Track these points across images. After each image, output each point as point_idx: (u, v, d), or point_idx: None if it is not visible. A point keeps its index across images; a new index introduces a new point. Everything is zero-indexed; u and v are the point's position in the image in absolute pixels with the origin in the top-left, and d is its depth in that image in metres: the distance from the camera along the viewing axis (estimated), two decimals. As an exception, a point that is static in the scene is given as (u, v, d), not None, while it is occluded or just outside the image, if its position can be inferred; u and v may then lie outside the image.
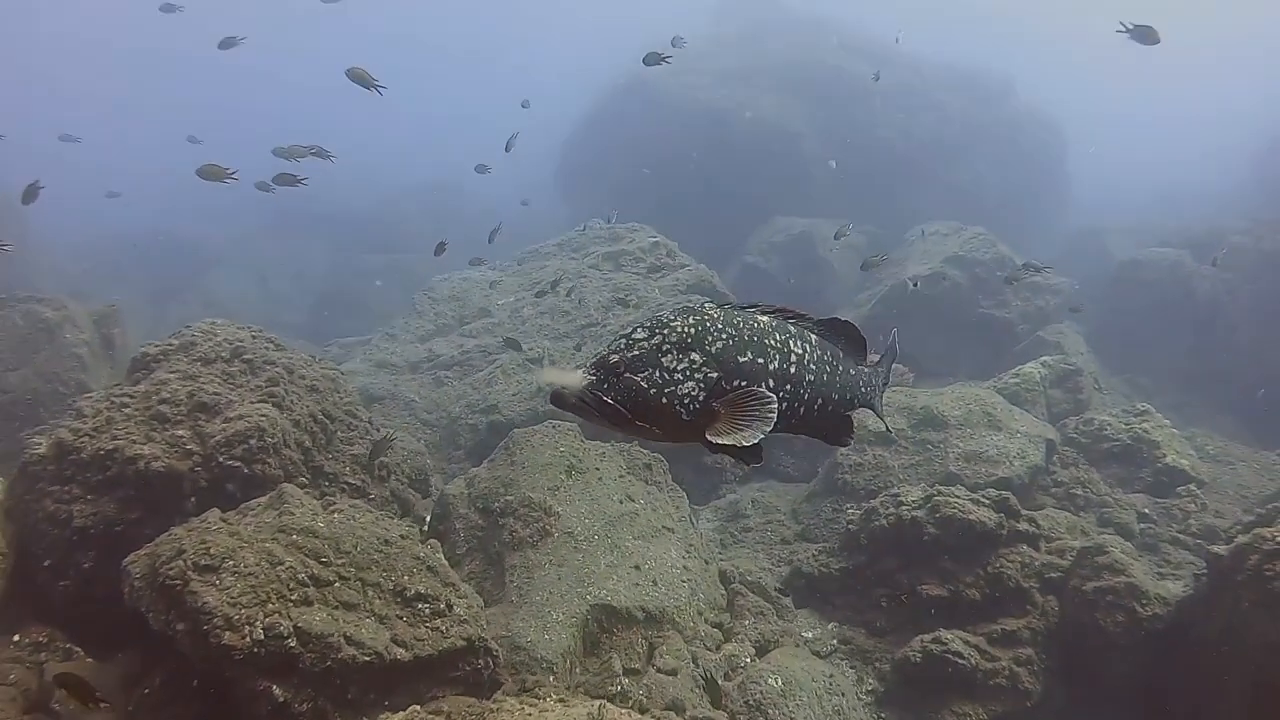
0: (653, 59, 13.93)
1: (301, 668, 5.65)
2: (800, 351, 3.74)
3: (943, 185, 24.12)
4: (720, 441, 3.36)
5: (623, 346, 3.42)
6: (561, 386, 3.35)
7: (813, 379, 3.78)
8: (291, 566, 5.97)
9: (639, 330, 3.48)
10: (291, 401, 8.09)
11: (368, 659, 5.89)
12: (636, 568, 7.98)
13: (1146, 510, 10.19)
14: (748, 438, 3.37)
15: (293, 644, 5.61)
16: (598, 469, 8.93)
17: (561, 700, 5.56)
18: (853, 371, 4.09)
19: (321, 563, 6.20)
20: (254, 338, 8.80)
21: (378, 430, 9.31)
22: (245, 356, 8.06)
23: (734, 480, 12.51)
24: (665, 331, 3.45)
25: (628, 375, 3.33)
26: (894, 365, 4.88)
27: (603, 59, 32.46)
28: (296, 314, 26.01)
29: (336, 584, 6.17)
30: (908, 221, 20.73)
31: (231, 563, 5.79)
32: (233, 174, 11.37)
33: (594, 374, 3.36)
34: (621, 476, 9.03)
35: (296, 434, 7.89)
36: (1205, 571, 7.67)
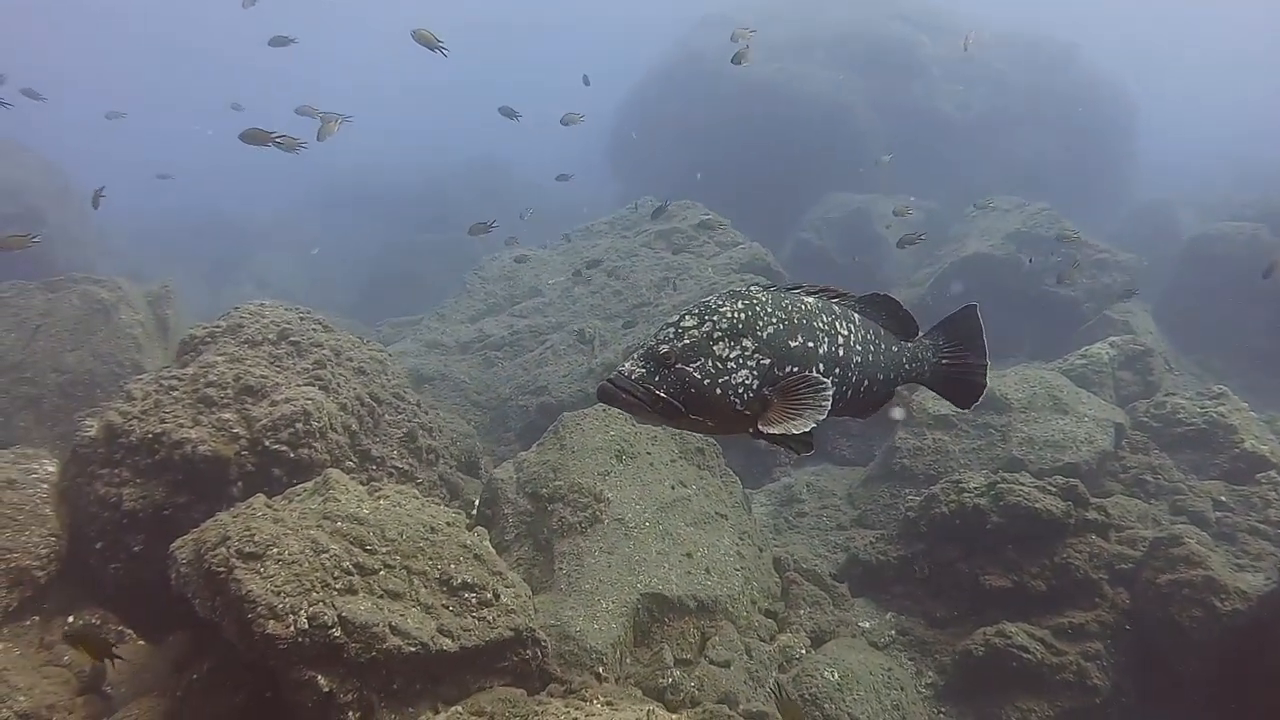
0: (738, 59, 13.91)
1: (346, 658, 5.53)
2: (846, 333, 3.63)
3: (1002, 158, 23.45)
4: (773, 431, 3.23)
5: (672, 336, 3.28)
6: (609, 380, 3.20)
7: (860, 360, 3.66)
8: (336, 554, 5.86)
9: (688, 317, 3.34)
10: (338, 384, 7.99)
11: (413, 649, 5.76)
12: (688, 555, 7.77)
13: (1223, 498, 9.71)
14: (802, 426, 3.24)
15: (337, 633, 5.49)
16: (649, 454, 8.73)
17: (609, 703, 5.39)
18: (895, 349, 3.91)
19: (366, 550, 6.08)
20: (301, 319, 8.72)
21: (426, 413, 9.20)
22: (292, 338, 7.97)
23: (788, 464, 12.24)
24: (716, 318, 3.32)
25: (679, 366, 3.20)
26: (983, 342, 4.43)
27: (653, 34, 32.06)
28: (347, 294, 26.16)
29: (381, 572, 6.05)
30: (966, 196, 20.14)
31: (276, 550, 5.69)
32: (278, 137, 11.05)
33: (644, 366, 3.22)
34: (673, 461, 8.82)
35: (343, 417, 7.79)
36: (1290, 564, 7.25)
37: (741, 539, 8.41)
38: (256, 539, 5.70)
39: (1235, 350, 15.81)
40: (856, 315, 3.77)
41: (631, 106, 29.38)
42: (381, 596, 5.97)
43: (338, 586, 5.75)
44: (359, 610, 5.66)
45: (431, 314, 16.56)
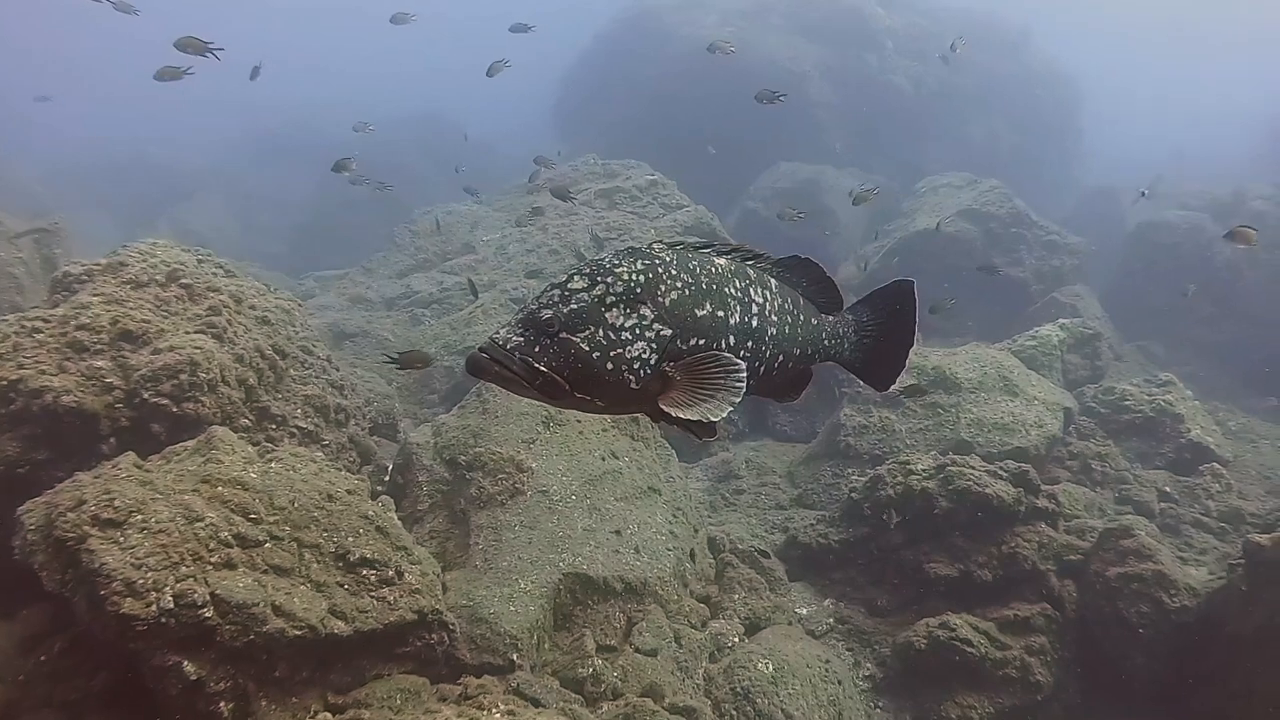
0: (715, 48, 13.47)
1: (219, 641, 4.84)
2: (762, 300, 3.19)
3: (954, 137, 23.12)
4: (678, 415, 2.79)
5: (557, 299, 2.80)
6: (479, 350, 2.73)
7: (775, 332, 3.23)
8: (213, 523, 5.14)
9: (577, 278, 2.86)
10: (235, 333, 7.20)
11: (299, 632, 5.09)
12: (617, 533, 7.18)
13: (1168, 489, 9.43)
14: (710, 413, 2.79)
15: (209, 614, 4.79)
16: (578, 421, 8.09)
17: (510, 713, 4.76)
18: (815, 321, 3.48)
19: (250, 519, 5.37)
20: (199, 261, 7.90)
21: (337, 369, 8.44)
22: (183, 281, 7.15)
23: (727, 438, 11.71)
24: (610, 280, 2.85)
25: (564, 335, 2.74)
26: (913, 323, 3.96)
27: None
28: (277, 245, 24.98)
29: (267, 545, 5.35)
30: (916, 173, 19.79)
31: (140, 517, 4.94)
32: (215, 47, 10.14)
33: (522, 333, 2.75)
34: (605, 430, 8.20)
35: (239, 370, 7.01)
36: (1240, 560, 6.89)
37: (675, 517, 7.84)
38: (117, 504, 4.94)
39: (1176, 339, 15.66)
40: (774, 281, 3.31)
41: (580, 67, 28.46)
42: (265, 572, 5.28)
43: (213, 560, 5.04)
44: (236, 588, 4.96)
45: (358, 268, 15.68)
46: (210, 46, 10.20)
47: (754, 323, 3.13)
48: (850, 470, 9.71)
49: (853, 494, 8.57)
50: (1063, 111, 26.50)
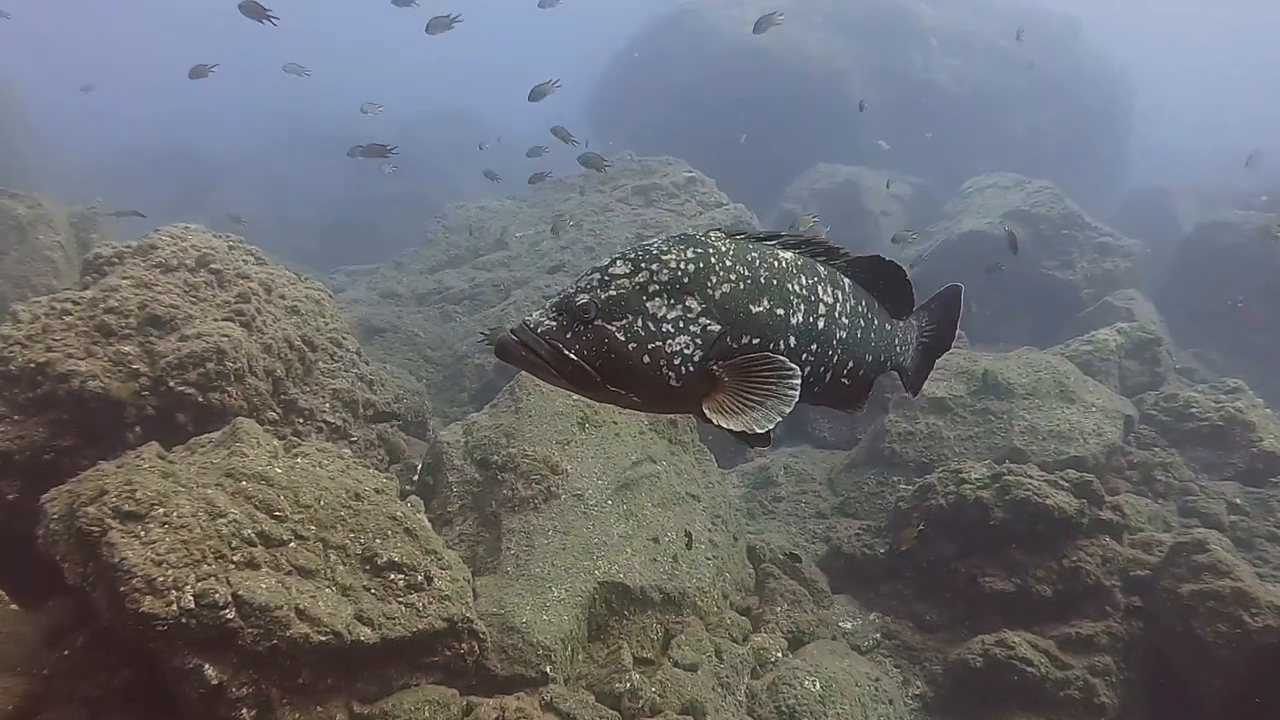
0: (763, 24, 12.94)
1: (241, 645, 4.56)
2: (831, 301, 2.94)
3: (997, 136, 22.58)
4: (721, 423, 2.56)
5: (596, 284, 2.60)
6: (510, 331, 2.56)
7: (845, 336, 2.99)
8: (236, 520, 4.85)
9: (620, 263, 2.65)
10: (264, 322, 6.94)
11: (324, 638, 4.80)
12: (655, 540, 6.84)
13: (1238, 500, 8.93)
14: (756, 422, 2.55)
15: (230, 615, 4.51)
16: (615, 422, 7.76)
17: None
18: (888, 327, 3.27)
19: (275, 517, 5.08)
20: (231, 248, 7.66)
21: (367, 364, 8.17)
22: (213, 266, 6.90)
23: (744, 445, 11.31)
24: (655, 266, 2.63)
25: (599, 323, 2.54)
26: (955, 329, 3.86)
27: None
28: (309, 239, 24.92)
29: (292, 544, 5.06)
30: (958, 174, 19.28)
31: (162, 511, 4.67)
32: (272, 15, 10.74)
33: (556, 318, 2.56)
34: (641, 433, 7.86)
35: (267, 360, 6.75)
36: (1328, 581, 6.44)
37: (714, 524, 7.49)
38: (139, 495, 4.67)
39: (1236, 346, 15.06)
40: (847, 281, 3.06)
41: (616, 66, 28.17)
42: (289, 573, 4.99)
43: (235, 559, 4.75)
44: (259, 589, 4.67)
45: (389, 263, 15.45)
46: (268, 13, 10.67)
47: (820, 324, 2.88)
48: (895, 478, 9.30)
49: (900, 503, 8.18)
50: (1112, 108, 25.84)
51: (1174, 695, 6.86)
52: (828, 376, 2.97)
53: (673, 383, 2.57)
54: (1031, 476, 7.41)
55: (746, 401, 2.58)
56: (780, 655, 6.68)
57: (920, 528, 7.61)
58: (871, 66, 22.99)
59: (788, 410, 2.55)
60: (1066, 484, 7.38)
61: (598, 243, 13.50)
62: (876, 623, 7.64)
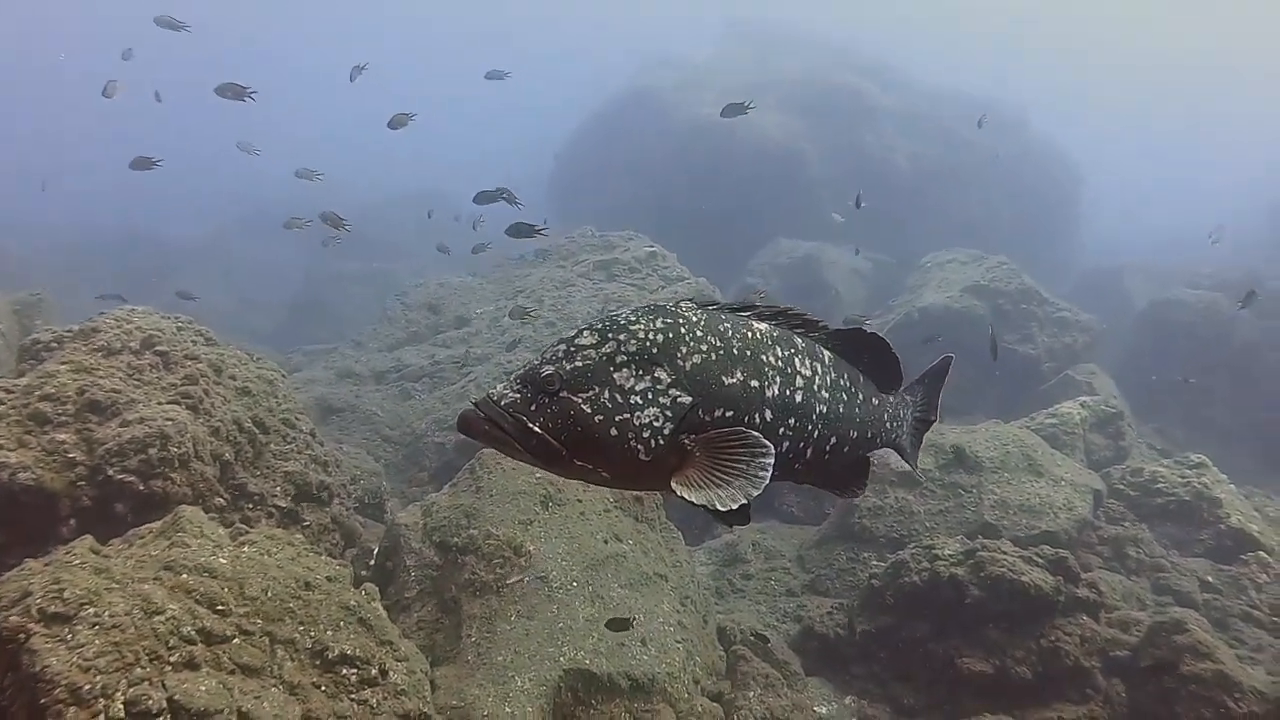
0: (732, 110, 13.20)
1: (175, 755, 4.20)
2: (809, 373, 2.87)
3: (953, 215, 23.03)
4: (693, 499, 2.47)
5: (561, 355, 2.56)
6: (473, 404, 2.49)
7: (826, 410, 2.91)
8: (174, 617, 4.53)
9: (586, 334, 2.61)
10: (213, 404, 6.68)
11: (268, 743, 4.45)
12: (622, 625, 6.55)
13: (1209, 578, 8.83)
14: (722, 500, 2.44)
15: (165, 723, 4.17)
16: (579, 501, 7.53)
17: None
18: (875, 402, 3.19)
19: (218, 612, 4.76)
20: (179, 329, 7.40)
21: (321, 444, 7.89)
22: (159, 348, 6.64)
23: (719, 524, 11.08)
24: (622, 337, 2.57)
25: (565, 395, 2.47)
26: (939, 398, 3.85)
27: (602, 73, 31.44)
28: (267, 320, 24.61)
29: (235, 640, 4.73)
30: (916, 250, 19.56)
31: (92, 610, 4.34)
32: (251, 92, 11.04)
33: (520, 390, 2.50)
34: (607, 511, 7.63)
35: (215, 444, 6.47)
36: (1312, 660, 6.30)
37: (683, 605, 7.23)
38: (67, 595, 4.34)
39: (1194, 421, 15.19)
40: (826, 354, 3.01)
41: (577, 145, 28.57)
42: (233, 673, 4.65)
43: (173, 660, 4.42)
44: (198, 692, 4.34)
45: (348, 342, 15.21)
46: (248, 91, 10.87)
47: (798, 397, 2.80)
48: (866, 554, 9.12)
49: (873, 580, 7.97)
50: (1061, 191, 26.53)
51: (1160, 781, 6.64)
52: (808, 453, 2.86)
53: (642, 456, 2.48)
54: (1006, 552, 7.26)
55: (716, 478, 2.48)
56: (754, 746, 6.39)
57: None
58: (827, 147, 23.43)
59: (756, 491, 2.45)
60: (1041, 560, 7.23)
61: (559, 318, 13.38)
62: (852, 707, 7.36)
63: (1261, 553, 9.00)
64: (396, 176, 36.20)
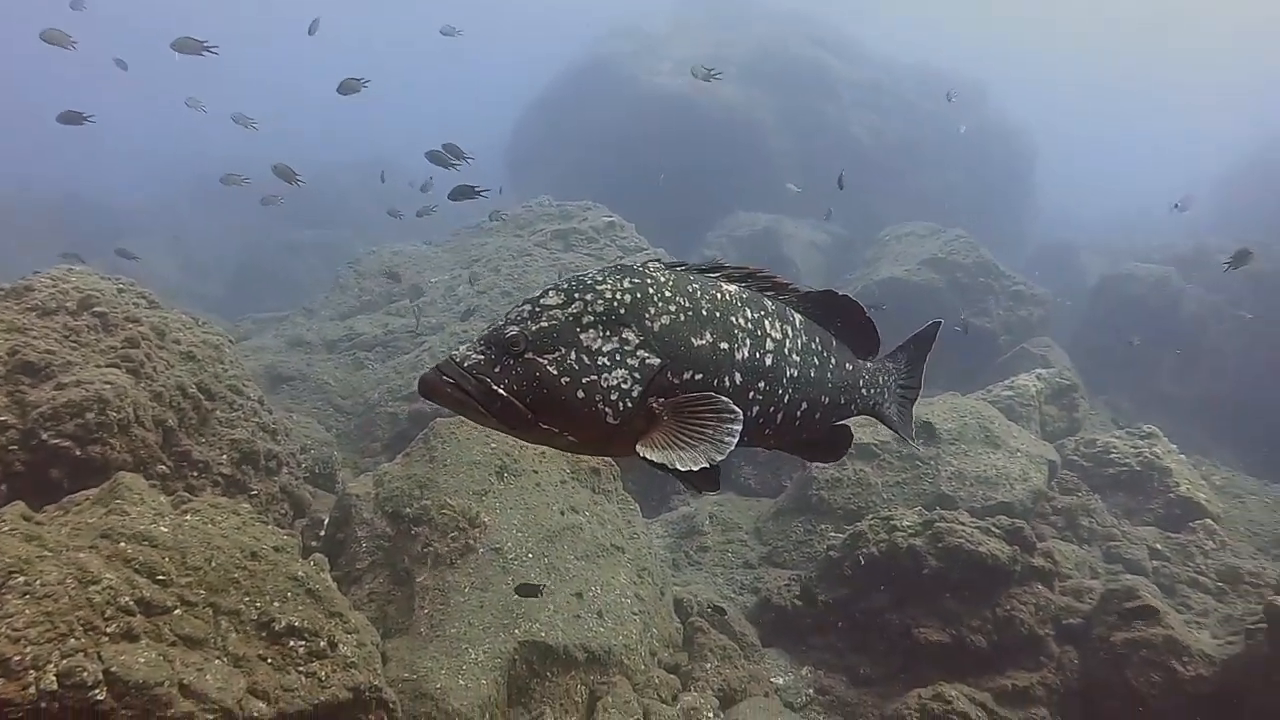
0: (700, 72, 12.92)
1: (113, 729, 4.03)
2: (780, 336, 2.80)
3: (912, 189, 23.08)
4: (653, 459, 2.41)
5: (527, 315, 2.48)
6: (435, 368, 2.42)
7: (797, 374, 2.84)
8: (112, 586, 4.34)
9: (552, 294, 2.54)
10: (155, 369, 6.44)
11: (211, 717, 4.29)
12: (578, 595, 6.47)
13: (1158, 546, 8.95)
14: (690, 460, 2.38)
15: (101, 696, 3.99)
16: (535, 472, 7.40)
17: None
18: (849, 367, 3.11)
19: (158, 582, 4.58)
20: (120, 291, 7.13)
21: (270, 412, 7.67)
22: (97, 309, 6.38)
23: (687, 491, 11.03)
24: (589, 297, 2.51)
25: (530, 356, 2.40)
26: (924, 366, 3.71)
27: (559, 41, 31.03)
28: (215, 287, 24.07)
29: (177, 611, 4.55)
30: (875, 224, 19.58)
31: (22, 579, 4.15)
32: (210, 46, 10.63)
33: (484, 352, 2.43)
34: (564, 482, 7.51)
35: (157, 409, 6.24)
36: (1261, 624, 6.37)
37: (640, 577, 7.15)
38: (-5, 563, 4.15)
39: (1143, 393, 15.42)
40: (797, 317, 2.93)
41: (534, 113, 28.15)
42: (174, 644, 4.47)
43: (109, 630, 4.23)
44: (136, 664, 4.16)
45: (299, 310, 14.86)
46: (206, 45, 10.52)
47: (768, 360, 2.72)
48: (824, 526, 9.10)
49: (831, 552, 7.95)
50: (1017, 166, 26.73)
51: (1111, 747, 6.71)
52: (779, 418, 2.78)
53: (610, 419, 2.41)
54: (963, 523, 7.27)
55: (680, 440, 2.41)
56: (711, 715, 6.34)
57: None
58: (788, 119, 23.34)
59: (720, 456, 2.38)
60: (998, 530, 7.25)
61: (515, 287, 13.19)
62: (809, 677, 7.35)
63: (1208, 520, 9.16)
64: (351, 143, 35.50)
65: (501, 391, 2.35)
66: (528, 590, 6.08)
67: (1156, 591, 7.33)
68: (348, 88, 12.39)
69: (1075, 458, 10.09)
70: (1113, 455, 9.90)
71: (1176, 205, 14.27)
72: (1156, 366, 15.52)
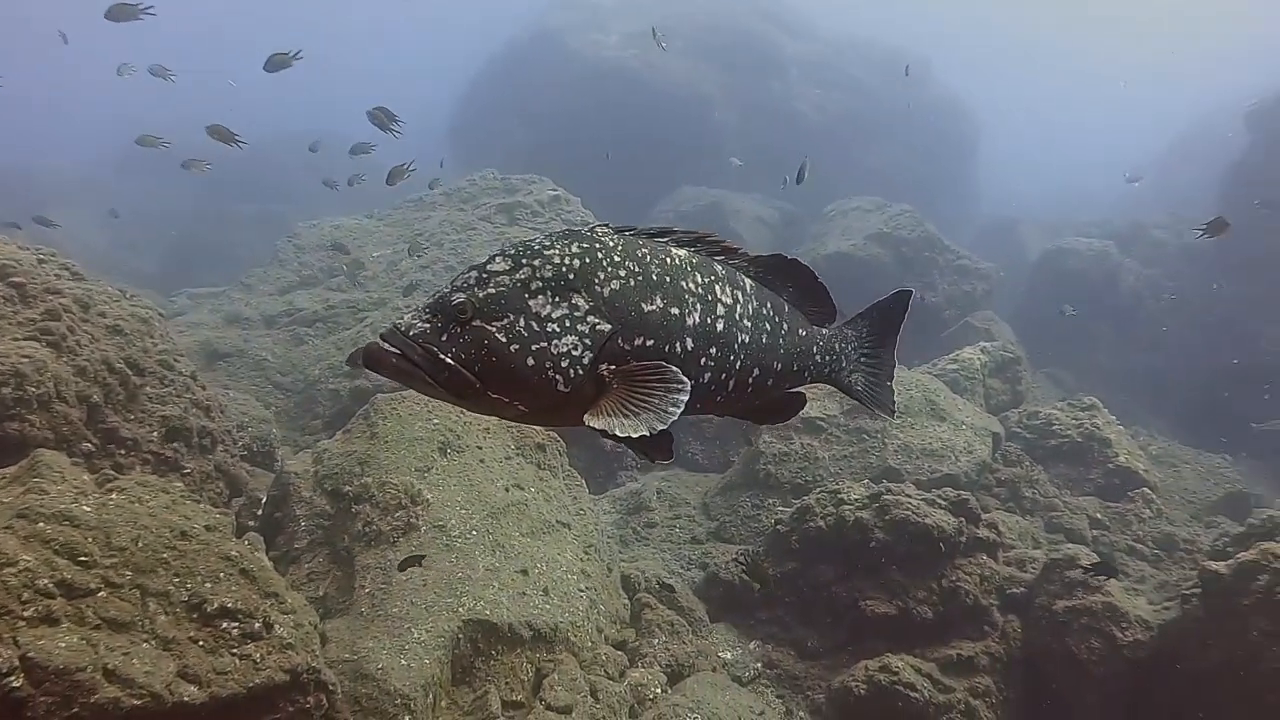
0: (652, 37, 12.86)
1: (32, 718, 3.84)
2: (730, 301, 2.74)
3: (857, 164, 23.15)
4: (595, 425, 2.38)
5: (473, 282, 2.41)
6: (379, 336, 2.35)
7: (749, 340, 2.79)
8: (29, 568, 4.14)
9: (499, 259, 2.46)
10: (78, 342, 6.16)
11: (139, 702, 4.12)
12: (524, 572, 6.36)
13: (1098, 515, 9.09)
14: (631, 427, 2.34)
15: (17, 684, 3.80)
16: (479, 448, 7.26)
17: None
18: (803, 333, 3.04)
19: (80, 563, 4.37)
20: (41, 261, 6.82)
21: (203, 388, 7.42)
22: (14, 279, 6.09)
23: (634, 467, 10.96)
24: (537, 262, 2.44)
25: (478, 323, 2.33)
26: (896, 338, 3.59)
27: (504, 11, 30.53)
28: (148, 262, 23.34)
29: (101, 594, 4.36)
30: (820, 199, 19.58)
31: (-69, 563, 3.93)
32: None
33: (428, 320, 2.35)
34: (509, 459, 7.39)
35: (81, 385, 5.98)
36: (1195, 590, 6.48)
37: (587, 553, 7.06)
38: (-99, 545, 3.92)
39: (1083, 366, 15.68)
40: (748, 282, 2.85)
41: (478, 86, 27.70)
42: (98, 628, 4.28)
43: (27, 615, 4.03)
44: (57, 649, 3.97)
45: (235, 284, 14.44)
46: (143, 8, 9.99)
47: (719, 326, 2.66)
48: (771, 500, 9.08)
49: (778, 526, 7.93)
50: (961, 142, 26.94)
51: (1054, 714, 6.80)
52: (730, 384, 2.72)
53: (560, 387, 2.35)
54: (910, 496, 7.29)
55: (625, 407, 2.37)
56: (659, 691, 6.29)
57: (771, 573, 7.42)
58: (734, 93, 23.24)
59: (662, 425, 2.33)
60: (944, 502, 7.28)
61: (459, 261, 12.94)
62: (757, 651, 7.33)
63: (1146, 489, 9.33)
64: (289, 115, 34.63)
65: (449, 360, 2.28)
66: (410, 562, 5.95)
67: (1097, 559, 7.41)
68: (277, 63, 11.84)
69: (1019, 430, 10.20)
70: (1055, 427, 10.02)
71: (1128, 177, 14.48)
72: (1096, 339, 15.79)
